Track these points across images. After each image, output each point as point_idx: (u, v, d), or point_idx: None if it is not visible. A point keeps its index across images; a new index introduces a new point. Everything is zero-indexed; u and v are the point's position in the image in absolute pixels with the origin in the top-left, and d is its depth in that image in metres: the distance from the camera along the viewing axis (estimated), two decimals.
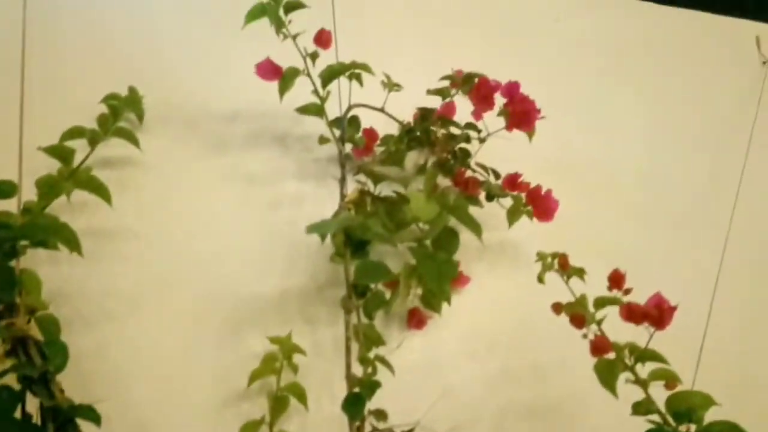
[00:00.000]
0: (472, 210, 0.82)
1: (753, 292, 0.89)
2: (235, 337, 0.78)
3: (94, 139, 0.77)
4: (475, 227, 0.80)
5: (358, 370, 0.65)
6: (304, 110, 0.81)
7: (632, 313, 0.58)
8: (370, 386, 0.59)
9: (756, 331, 0.85)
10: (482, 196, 0.86)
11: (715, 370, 0.72)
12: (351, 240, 0.70)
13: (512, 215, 0.83)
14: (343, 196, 0.77)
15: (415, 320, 0.82)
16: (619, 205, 0.96)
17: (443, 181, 0.88)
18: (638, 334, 0.62)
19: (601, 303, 0.63)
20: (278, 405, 0.71)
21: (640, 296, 0.63)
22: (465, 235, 0.81)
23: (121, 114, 0.82)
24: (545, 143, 0.84)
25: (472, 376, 0.80)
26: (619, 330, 0.64)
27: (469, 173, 0.87)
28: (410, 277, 0.75)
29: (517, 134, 0.82)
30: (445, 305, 0.81)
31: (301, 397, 0.71)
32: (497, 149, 0.86)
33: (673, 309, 0.58)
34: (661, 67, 1.15)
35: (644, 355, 0.58)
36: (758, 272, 0.91)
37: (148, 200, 0.83)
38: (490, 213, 0.85)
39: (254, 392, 0.73)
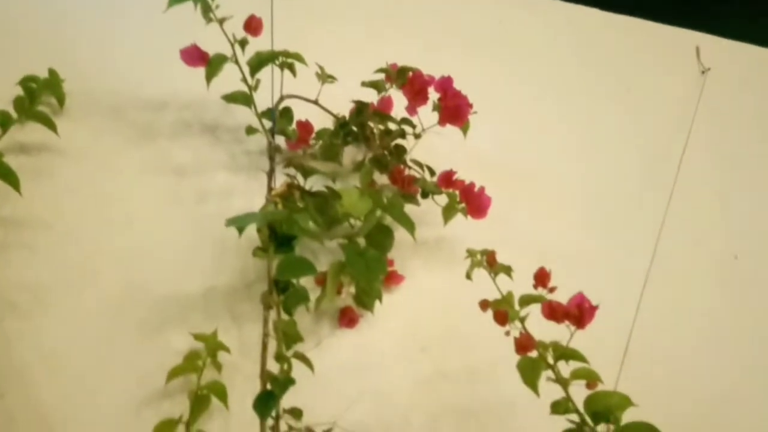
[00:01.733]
0: (409, 207, 0.81)
1: (680, 295, 0.90)
2: (157, 334, 0.74)
3: (5, 123, 0.73)
4: (409, 224, 0.79)
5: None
6: (231, 98, 0.78)
7: (553, 312, 0.58)
8: (284, 384, 0.56)
9: (681, 334, 0.86)
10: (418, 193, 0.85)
11: (639, 372, 0.72)
12: (276, 235, 0.67)
13: (447, 213, 0.82)
14: (270, 189, 0.74)
15: (347, 319, 0.80)
16: (554, 205, 0.96)
17: (380, 179, 0.87)
18: (565, 335, 0.62)
19: (526, 301, 0.63)
20: (199, 404, 0.67)
21: (570, 295, 0.63)
22: (401, 233, 0.79)
23: (39, 97, 0.77)
24: (482, 142, 0.83)
25: (404, 376, 0.78)
26: (546, 330, 0.63)
27: (406, 171, 0.86)
28: (338, 274, 0.74)
29: (454, 131, 0.81)
30: (378, 304, 0.79)
31: (222, 395, 0.68)
32: (434, 146, 0.85)
33: (594, 309, 0.57)
34: (602, 73, 1.16)
35: (565, 353, 0.58)
36: (687, 276, 0.93)
37: (66, 189, 0.78)
38: (426, 210, 0.84)
39: (176, 391, 0.70)
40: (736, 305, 0.92)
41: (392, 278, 0.83)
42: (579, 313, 0.56)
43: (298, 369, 0.65)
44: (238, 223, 0.64)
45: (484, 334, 0.70)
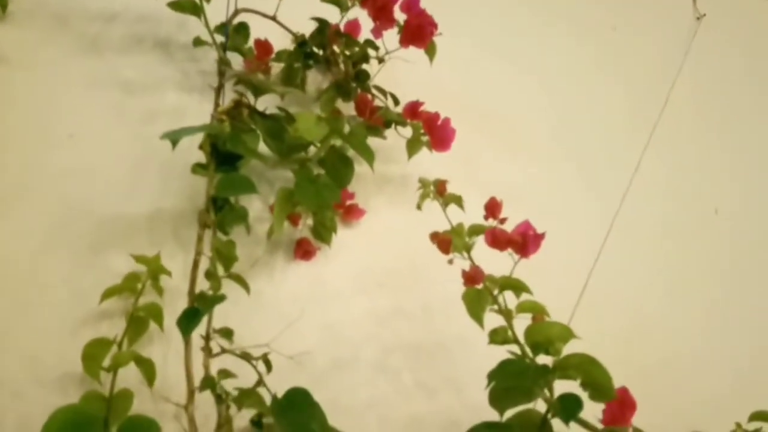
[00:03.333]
0: (376, 145, 0.77)
1: (649, 246, 0.87)
2: (97, 256, 0.71)
3: None
4: (368, 155, 0.75)
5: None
6: (178, 6, 0.73)
7: (496, 239, 0.55)
8: (210, 301, 0.53)
9: (645, 283, 0.83)
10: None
11: (593, 316, 0.69)
12: (218, 153, 0.63)
13: (412, 146, 0.79)
14: (218, 105, 0.70)
15: (302, 251, 0.77)
16: (523, 146, 0.93)
17: (347, 109, 0.83)
18: (518, 273, 0.59)
19: (475, 231, 0.59)
20: (135, 326, 0.64)
21: None
22: (366, 169, 0.75)
23: None
24: (452, 77, 0.79)
25: (359, 311, 0.76)
26: (499, 267, 0.60)
27: (373, 102, 0.81)
28: (287, 200, 0.70)
29: (421, 63, 0.76)
30: (338, 240, 0.76)
31: (158, 317, 0.65)
32: (400, 80, 0.80)
33: (540, 237, 0.54)
34: (587, 9, 1.11)
35: (507, 283, 0.55)
36: (659, 227, 0.89)
37: (4, 98, 0.74)
38: (393, 146, 0.80)
39: (117, 313, 0.67)
40: (712, 261, 0.89)
41: (352, 212, 0.79)
42: (523, 240, 0.53)
43: (246, 298, 0.62)
44: (173, 136, 0.60)
45: (443, 273, 0.67)
